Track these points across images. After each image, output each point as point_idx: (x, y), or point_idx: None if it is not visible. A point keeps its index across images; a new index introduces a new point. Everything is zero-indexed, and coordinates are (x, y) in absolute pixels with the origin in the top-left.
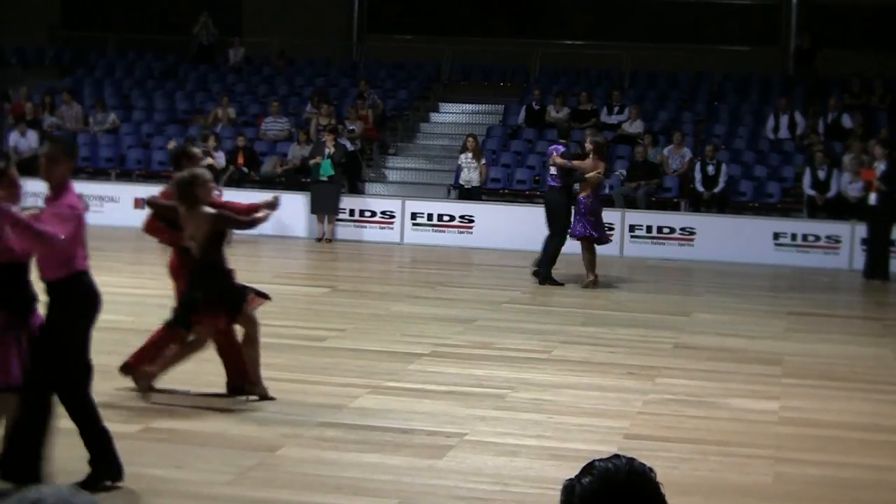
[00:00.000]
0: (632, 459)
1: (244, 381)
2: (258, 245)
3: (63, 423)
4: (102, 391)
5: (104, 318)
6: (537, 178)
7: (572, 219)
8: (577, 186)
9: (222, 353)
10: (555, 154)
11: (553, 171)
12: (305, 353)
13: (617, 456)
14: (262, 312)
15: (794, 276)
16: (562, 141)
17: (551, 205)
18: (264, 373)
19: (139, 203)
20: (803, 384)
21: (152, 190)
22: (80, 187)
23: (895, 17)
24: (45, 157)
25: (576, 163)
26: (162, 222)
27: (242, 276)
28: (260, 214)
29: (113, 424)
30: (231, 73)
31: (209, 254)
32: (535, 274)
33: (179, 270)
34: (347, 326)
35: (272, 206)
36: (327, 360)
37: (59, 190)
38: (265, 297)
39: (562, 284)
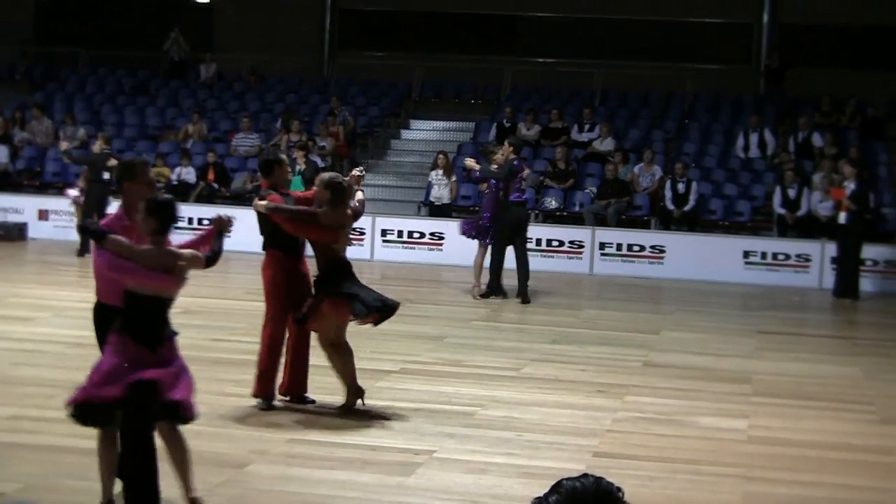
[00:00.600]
0: (600, 479)
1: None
2: (228, 261)
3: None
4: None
5: (73, 333)
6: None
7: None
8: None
9: (297, 357)
10: (527, 171)
11: (524, 186)
12: None
13: (585, 475)
14: (230, 329)
15: (764, 294)
16: (521, 157)
17: (526, 220)
18: (235, 389)
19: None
20: (773, 403)
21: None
22: (49, 203)
23: (865, 37)
24: None
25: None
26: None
27: (212, 293)
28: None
29: (80, 440)
30: (202, 89)
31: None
32: (520, 296)
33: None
34: (316, 343)
35: None
36: None
37: None
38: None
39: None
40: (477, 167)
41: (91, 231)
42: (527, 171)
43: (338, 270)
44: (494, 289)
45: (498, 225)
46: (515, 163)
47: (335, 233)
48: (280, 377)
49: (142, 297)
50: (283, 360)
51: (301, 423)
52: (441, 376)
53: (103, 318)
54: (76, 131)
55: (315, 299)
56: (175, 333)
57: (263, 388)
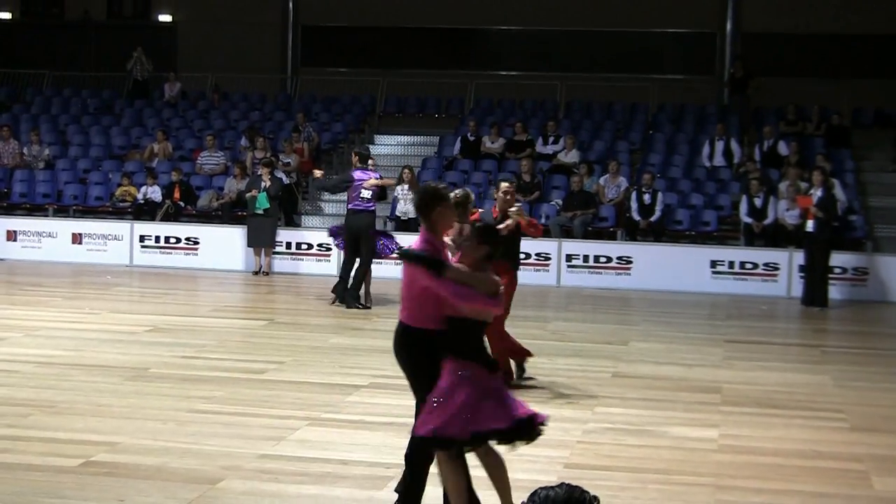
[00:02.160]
0: (574, 488)
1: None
2: (196, 279)
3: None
4: (43, 426)
5: (44, 352)
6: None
7: (382, 239)
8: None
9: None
10: (373, 178)
11: (367, 195)
12: (244, 386)
13: (561, 484)
14: (198, 347)
15: (732, 303)
16: (369, 167)
17: (366, 228)
18: (205, 406)
19: (76, 238)
20: (742, 412)
21: (89, 225)
22: (17, 223)
23: (829, 45)
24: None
25: (387, 181)
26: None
27: (180, 311)
28: None
29: (54, 459)
30: (166, 107)
31: None
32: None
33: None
34: (286, 359)
35: None
36: (266, 393)
37: None
38: None
39: (367, 307)
40: (319, 175)
41: (428, 261)
42: (371, 181)
43: None
44: (339, 295)
45: (344, 233)
46: (353, 172)
47: None
48: None
49: (468, 321)
50: None
51: (272, 438)
52: (410, 390)
53: (413, 342)
54: (42, 151)
55: None
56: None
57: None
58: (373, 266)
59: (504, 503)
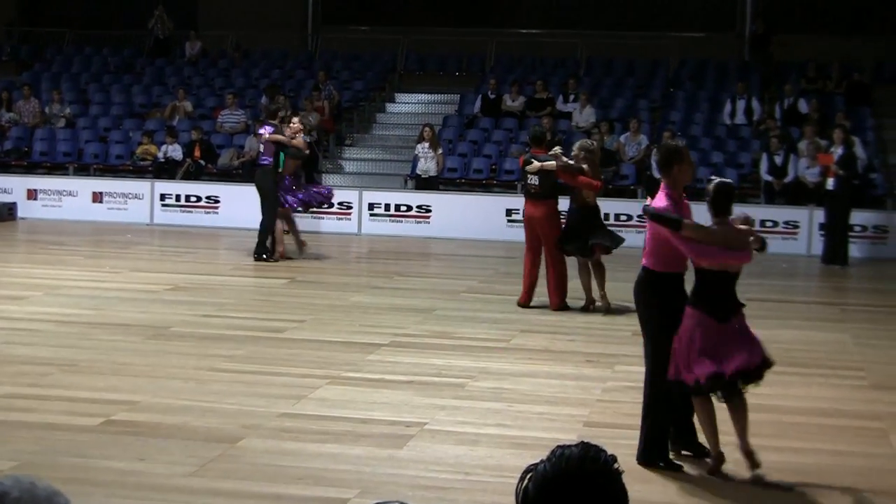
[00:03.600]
0: (590, 446)
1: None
2: (216, 237)
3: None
4: (64, 384)
5: (65, 311)
6: (494, 166)
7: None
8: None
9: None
10: (266, 133)
11: (262, 149)
12: (265, 345)
13: (581, 443)
14: (218, 305)
15: (752, 262)
16: (271, 122)
17: (267, 182)
18: (226, 364)
19: (97, 197)
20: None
21: (109, 184)
22: (38, 182)
23: (849, 2)
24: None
25: (295, 141)
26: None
27: (201, 269)
28: None
29: (75, 418)
30: (187, 66)
31: None
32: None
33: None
34: (306, 317)
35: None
36: (287, 352)
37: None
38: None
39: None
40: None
41: (667, 219)
42: (265, 136)
43: None
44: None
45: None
46: (260, 130)
47: None
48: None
49: (713, 273)
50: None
51: (292, 396)
52: (431, 349)
53: (654, 285)
54: (63, 109)
55: None
56: (742, 305)
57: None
58: (296, 216)
59: (741, 444)
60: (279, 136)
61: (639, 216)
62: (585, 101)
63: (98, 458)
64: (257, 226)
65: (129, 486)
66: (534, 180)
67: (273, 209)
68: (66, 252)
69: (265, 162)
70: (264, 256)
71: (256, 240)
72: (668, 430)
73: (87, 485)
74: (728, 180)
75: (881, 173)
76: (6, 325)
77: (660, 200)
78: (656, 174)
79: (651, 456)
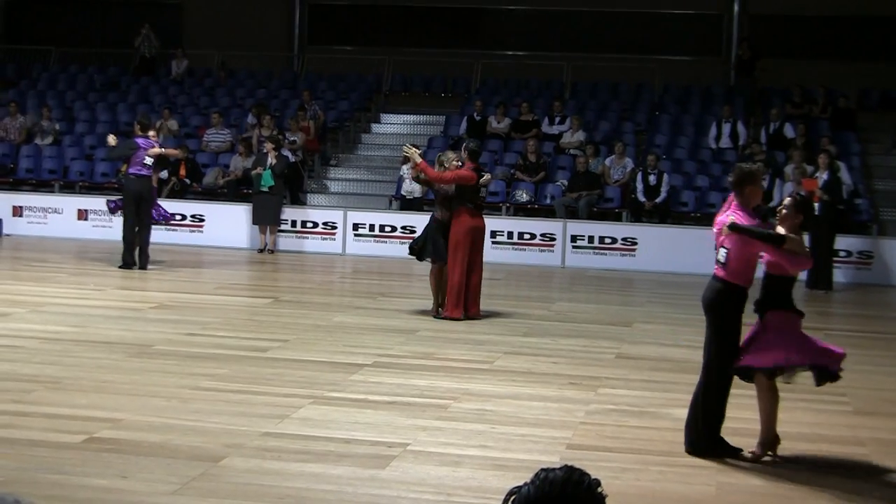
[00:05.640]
0: (574, 469)
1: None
2: (201, 256)
3: None
4: (47, 401)
5: (48, 328)
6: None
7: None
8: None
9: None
10: (156, 147)
11: (149, 161)
12: (248, 364)
13: (565, 466)
14: (203, 324)
15: None
16: (150, 135)
17: (147, 192)
18: (209, 383)
19: (82, 214)
20: (745, 394)
21: (95, 201)
22: (23, 199)
23: (835, 28)
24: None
25: (170, 151)
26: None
27: (185, 288)
28: None
29: (57, 435)
30: (173, 85)
31: None
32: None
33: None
34: (290, 337)
35: None
36: (270, 371)
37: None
38: None
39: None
40: (112, 143)
41: (769, 236)
42: (154, 151)
43: None
44: (127, 261)
45: (124, 198)
46: (136, 140)
47: None
48: None
49: (787, 278)
50: None
51: (275, 416)
52: (414, 369)
53: (733, 297)
54: (50, 126)
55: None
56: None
57: None
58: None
59: (764, 426)
60: (172, 151)
61: (726, 233)
62: (578, 124)
63: (80, 476)
64: (244, 244)
65: (110, 503)
66: (483, 192)
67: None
68: (50, 269)
69: (147, 173)
70: (133, 265)
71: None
72: (721, 420)
73: (68, 502)
74: (806, 196)
75: (866, 199)
76: None
77: (742, 219)
78: (641, 197)
79: (707, 445)
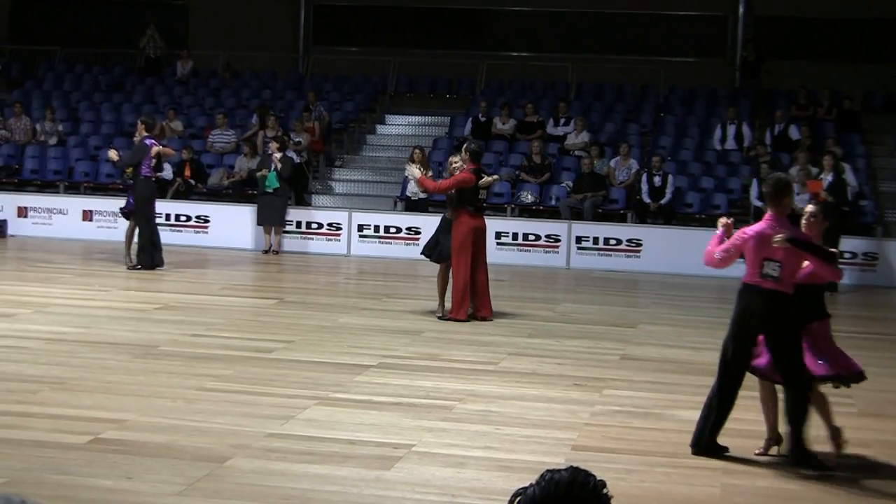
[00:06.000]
0: (579, 471)
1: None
2: (205, 257)
3: None
4: (52, 402)
5: (53, 329)
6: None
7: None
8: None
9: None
10: (156, 146)
11: (153, 161)
12: (253, 365)
13: (570, 467)
14: (207, 325)
15: None
16: (154, 134)
17: (149, 192)
18: (214, 384)
19: (87, 215)
20: (749, 396)
21: (100, 202)
22: (28, 200)
23: (840, 29)
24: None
25: (167, 150)
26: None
27: (190, 289)
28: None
29: (62, 435)
30: (178, 85)
31: None
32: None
33: None
34: (295, 338)
35: None
36: (275, 372)
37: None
38: None
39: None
40: (116, 158)
41: (823, 252)
42: (155, 149)
43: None
44: (148, 260)
45: (136, 200)
46: (146, 142)
47: None
48: None
49: (821, 286)
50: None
51: (280, 417)
52: (419, 370)
53: (787, 306)
54: (54, 127)
55: None
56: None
57: None
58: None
59: (827, 424)
60: (169, 151)
61: (779, 245)
62: (582, 126)
63: (85, 477)
64: (249, 245)
65: None
66: (483, 194)
67: (146, 218)
68: (55, 270)
69: (149, 173)
70: (139, 266)
71: (155, 248)
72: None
73: (73, 503)
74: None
75: (871, 200)
76: None
77: (787, 230)
78: (646, 199)
79: (803, 455)
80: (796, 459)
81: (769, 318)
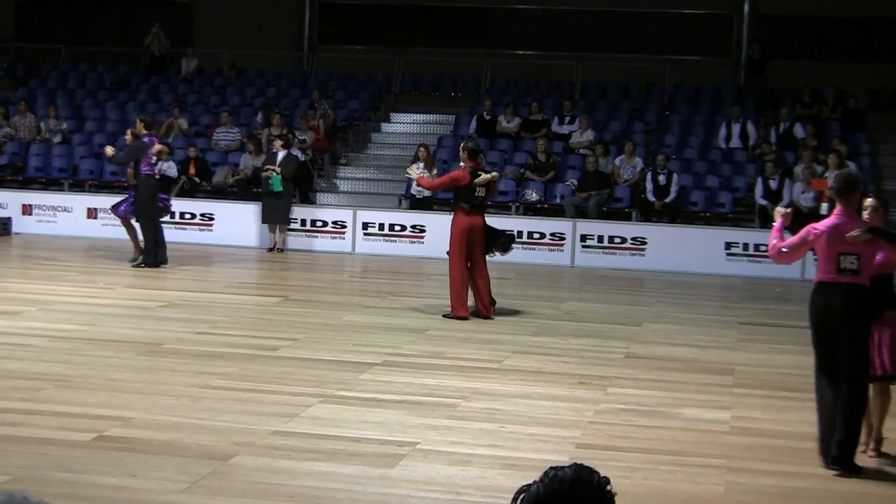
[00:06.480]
0: (583, 468)
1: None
2: (210, 255)
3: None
4: (57, 400)
5: (58, 327)
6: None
7: (127, 202)
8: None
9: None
10: (157, 144)
11: (153, 159)
12: (258, 363)
13: (574, 465)
14: (212, 323)
15: (746, 285)
16: (152, 132)
17: (151, 191)
18: (219, 381)
19: (91, 213)
20: (755, 394)
21: (104, 200)
22: (33, 197)
23: (845, 28)
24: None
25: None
26: None
27: (194, 287)
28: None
29: (67, 433)
30: (183, 83)
31: None
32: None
33: None
34: (300, 336)
35: None
36: (280, 370)
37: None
38: None
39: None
40: (111, 153)
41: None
42: (157, 147)
43: None
44: (151, 259)
45: (137, 198)
46: (146, 140)
47: None
48: None
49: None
50: None
51: (285, 414)
52: (423, 368)
53: (869, 299)
54: (59, 125)
55: None
56: None
57: None
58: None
59: (877, 428)
60: (160, 147)
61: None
62: (587, 124)
63: (89, 474)
64: (254, 243)
65: (119, 501)
66: (480, 192)
67: (149, 216)
68: (60, 268)
69: (151, 172)
70: (143, 264)
71: (160, 247)
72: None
73: (77, 500)
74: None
75: None
76: None
77: (860, 223)
78: (651, 197)
79: (851, 458)
80: (843, 457)
81: (849, 313)
